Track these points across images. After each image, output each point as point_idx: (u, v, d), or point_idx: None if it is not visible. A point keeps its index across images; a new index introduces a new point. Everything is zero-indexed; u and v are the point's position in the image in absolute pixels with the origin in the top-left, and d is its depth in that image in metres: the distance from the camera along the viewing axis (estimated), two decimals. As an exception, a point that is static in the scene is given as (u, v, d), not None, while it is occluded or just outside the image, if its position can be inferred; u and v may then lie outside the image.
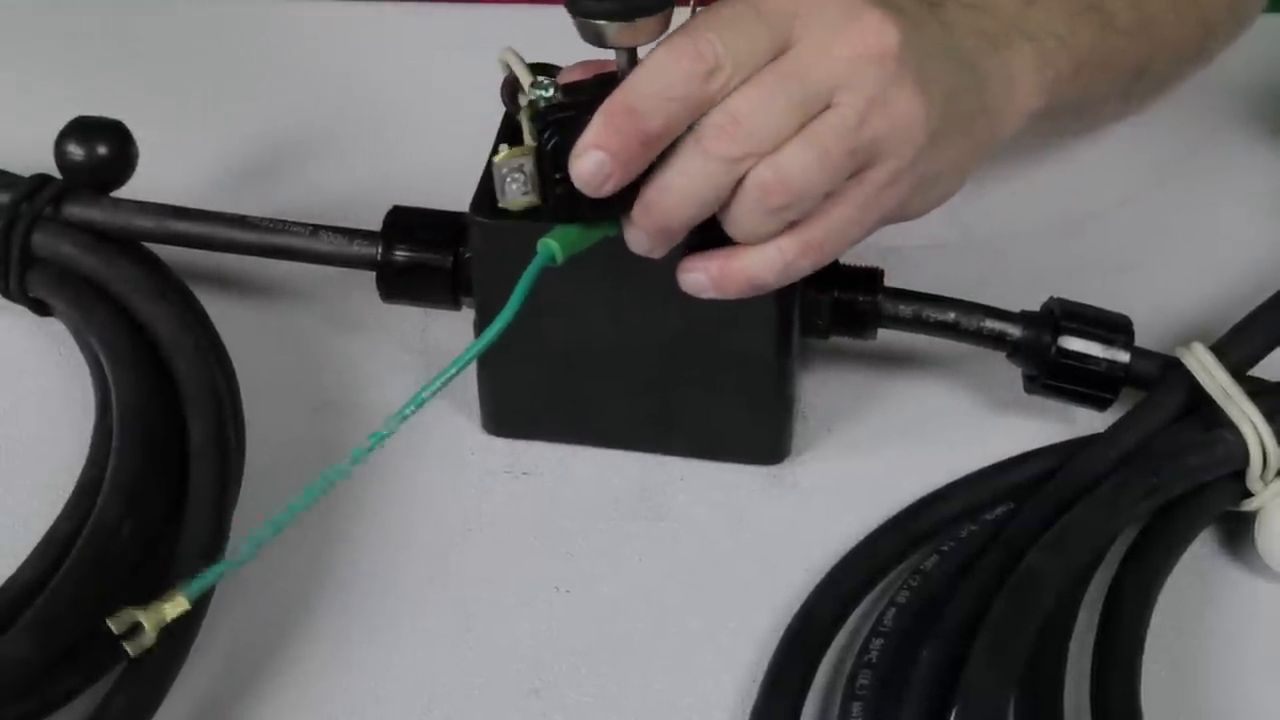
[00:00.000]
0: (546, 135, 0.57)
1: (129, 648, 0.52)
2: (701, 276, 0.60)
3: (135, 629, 0.52)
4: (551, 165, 0.57)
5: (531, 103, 0.58)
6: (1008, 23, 0.66)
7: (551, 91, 0.58)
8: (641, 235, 0.59)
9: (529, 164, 0.57)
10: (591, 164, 0.56)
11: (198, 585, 0.53)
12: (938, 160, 0.61)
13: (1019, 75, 0.65)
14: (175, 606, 0.53)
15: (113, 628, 0.52)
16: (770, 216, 0.58)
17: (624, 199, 0.58)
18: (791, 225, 0.59)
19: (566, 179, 0.57)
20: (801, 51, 0.57)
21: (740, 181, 0.57)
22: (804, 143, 0.57)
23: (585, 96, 0.57)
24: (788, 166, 0.57)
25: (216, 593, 0.62)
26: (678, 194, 0.58)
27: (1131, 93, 0.76)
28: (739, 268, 0.60)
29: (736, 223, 0.59)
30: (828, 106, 0.58)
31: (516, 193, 0.58)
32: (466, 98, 0.66)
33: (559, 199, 0.57)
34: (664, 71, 0.56)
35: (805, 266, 0.60)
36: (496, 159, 0.57)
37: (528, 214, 0.58)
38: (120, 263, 0.71)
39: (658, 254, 0.60)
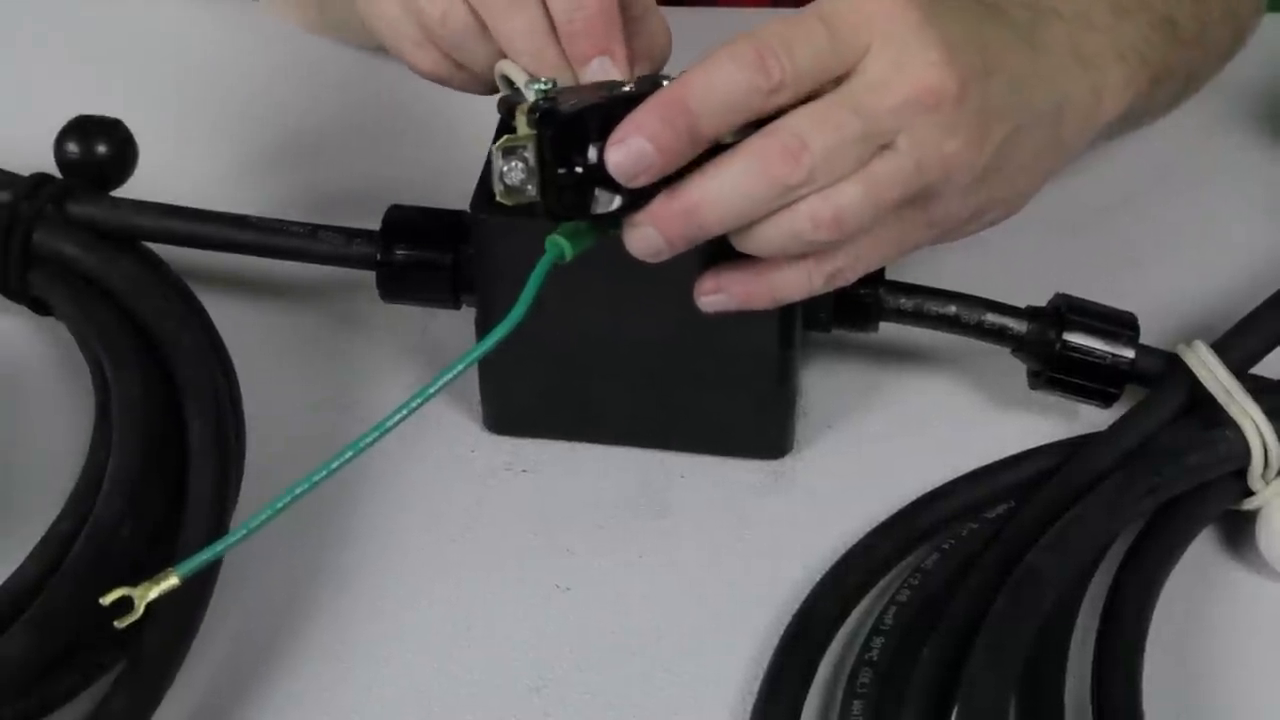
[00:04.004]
0: (547, 127, 0.55)
1: (118, 622, 0.52)
2: (724, 298, 0.59)
3: (126, 606, 0.52)
4: (553, 155, 0.55)
5: (532, 103, 0.57)
6: (1103, 40, 0.64)
7: (551, 85, 0.57)
8: (656, 240, 0.56)
9: (529, 151, 0.55)
10: (633, 152, 0.54)
11: (191, 564, 0.53)
12: (988, 198, 0.60)
13: (1105, 95, 0.64)
14: (165, 583, 0.53)
15: (104, 604, 0.52)
16: (806, 244, 0.57)
17: (633, 202, 0.56)
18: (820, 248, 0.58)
19: (569, 173, 0.55)
20: (865, 84, 0.55)
21: (786, 205, 0.56)
22: (862, 185, 0.56)
23: (586, 101, 0.56)
24: (845, 205, 0.56)
25: (215, 592, 0.62)
26: (722, 207, 0.55)
27: (1179, 98, 0.76)
28: (764, 290, 0.59)
29: (767, 241, 0.57)
30: (885, 145, 0.56)
31: (515, 181, 0.55)
32: (465, 96, 0.65)
33: (560, 194, 0.55)
34: (726, 77, 0.54)
35: (829, 288, 0.59)
36: (495, 145, 0.55)
37: (524, 209, 0.56)
38: (120, 262, 0.71)
39: (659, 260, 0.57)
